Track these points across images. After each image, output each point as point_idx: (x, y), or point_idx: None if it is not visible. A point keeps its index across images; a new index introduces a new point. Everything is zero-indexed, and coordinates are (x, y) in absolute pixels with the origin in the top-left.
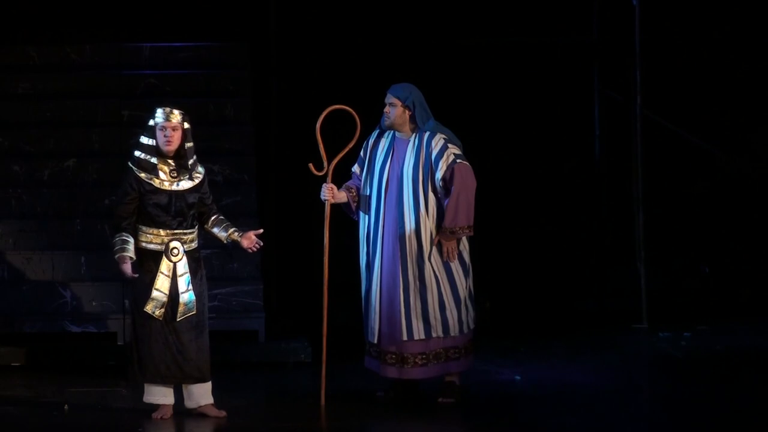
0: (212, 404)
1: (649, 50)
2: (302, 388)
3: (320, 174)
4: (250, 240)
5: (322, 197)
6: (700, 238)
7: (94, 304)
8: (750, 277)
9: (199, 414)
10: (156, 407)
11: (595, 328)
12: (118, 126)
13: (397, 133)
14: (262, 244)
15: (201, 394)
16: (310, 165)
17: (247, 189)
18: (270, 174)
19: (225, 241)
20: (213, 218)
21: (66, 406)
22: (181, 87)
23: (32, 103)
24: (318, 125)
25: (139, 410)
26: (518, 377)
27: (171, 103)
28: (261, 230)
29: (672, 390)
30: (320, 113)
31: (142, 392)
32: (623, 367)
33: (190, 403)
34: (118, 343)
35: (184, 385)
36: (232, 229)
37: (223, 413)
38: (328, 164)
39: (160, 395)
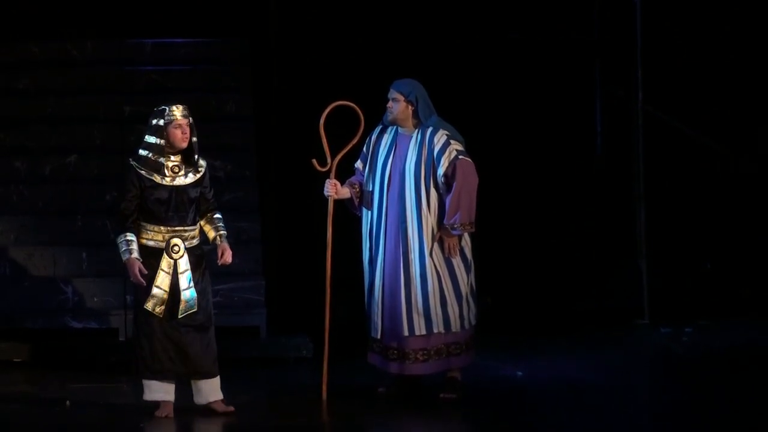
0: (221, 400)
1: (650, 47)
2: (304, 383)
3: (323, 170)
4: (223, 254)
5: (326, 193)
6: (702, 235)
7: (95, 300)
8: (751, 273)
9: (204, 410)
10: (157, 405)
11: (597, 324)
12: (119, 122)
13: (399, 129)
14: (228, 262)
15: (209, 390)
16: (314, 161)
17: (249, 185)
18: (271, 170)
19: (210, 242)
20: (208, 215)
21: (67, 402)
22: (183, 83)
23: (34, 99)
24: (321, 121)
25: (140, 406)
26: (520, 373)
27: (173, 100)
28: (229, 260)
29: (673, 385)
30: (321, 109)
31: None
32: (624, 363)
33: (199, 399)
34: (120, 339)
35: (192, 381)
36: (221, 233)
37: (231, 409)
38: (332, 160)
39: (161, 392)
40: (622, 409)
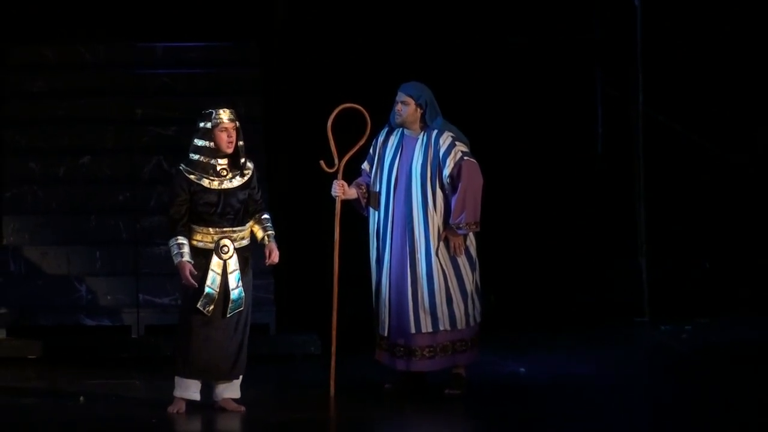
0: (234, 399)
1: (650, 49)
2: (312, 379)
3: (331, 171)
4: (270, 255)
5: (333, 194)
6: (701, 233)
7: (108, 298)
8: (750, 271)
9: (216, 407)
10: (170, 401)
11: (598, 321)
12: (131, 124)
13: (406, 131)
14: (275, 262)
15: (225, 388)
16: (322, 162)
17: (259, 185)
18: (280, 171)
19: (258, 241)
20: (257, 215)
21: (81, 398)
22: (193, 86)
23: (47, 101)
24: (329, 123)
25: (153, 402)
26: (523, 369)
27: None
28: (276, 261)
29: (673, 382)
30: (330, 111)
31: (156, 385)
32: (625, 360)
33: (214, 395)
34: (132, 336)
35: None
36: (269, 233)
37: (242, 408)
38: (339, 161)
39: (192, 391)
40: (624, 405)
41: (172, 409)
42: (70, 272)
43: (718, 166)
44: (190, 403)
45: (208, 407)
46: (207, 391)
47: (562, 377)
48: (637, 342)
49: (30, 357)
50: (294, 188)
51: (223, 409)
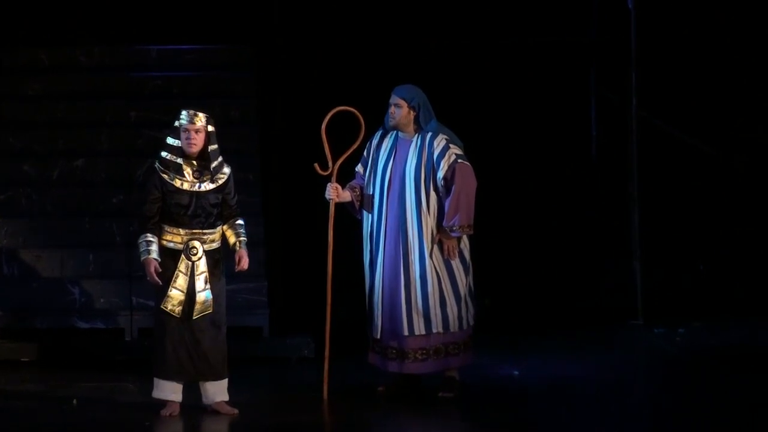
0: (226, 402)
1: (644, 52)
2: (305, 382)
3: (325, 174)
4: (240, 261)
5: (327, 196)
6: (696, 237)
7: (102, 300)
8: (744, 274)
9: (210, 411)
10: (163, 404)
11: (592, 324)
12: (125, 126)
13: (400, 134)
14: (244, 269)
15: (215, 392)
16: (316, 165)
17: (252, 188)
18: (274, 173)
19: (230, 247)
20: (231, 220)
21: (75, 401)
22: (188, 88)
23: (42, 104)
24: (323, 126)
25: (146, 405)
26: (516, 372)
27: (196, 105)
28: (245, 267)
29: (666, 384)
30: (324, 114)
31: (150, 388)
32: (619, 363)
33: (205, 400)
34: (126, 339)
35: (200, 382)
36: (241, 239)
37: (236, 411)
38: (333, 164)
39: (169, 392)
40: (617, 408)
41: (165, 412)
42: (63, 275)
43: (712, 169)
44: (182, 407)
45: (201, 410)
46: (198, 394)
47: (556, 380)
48: (630, 345)
49: (24, 360)
50: (288, 191)
51: (217, 412)
